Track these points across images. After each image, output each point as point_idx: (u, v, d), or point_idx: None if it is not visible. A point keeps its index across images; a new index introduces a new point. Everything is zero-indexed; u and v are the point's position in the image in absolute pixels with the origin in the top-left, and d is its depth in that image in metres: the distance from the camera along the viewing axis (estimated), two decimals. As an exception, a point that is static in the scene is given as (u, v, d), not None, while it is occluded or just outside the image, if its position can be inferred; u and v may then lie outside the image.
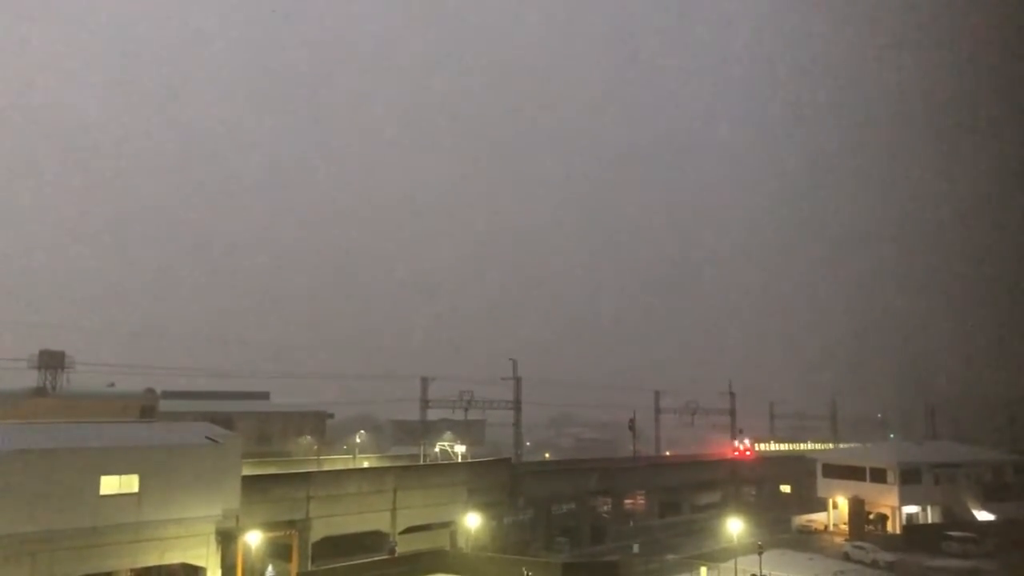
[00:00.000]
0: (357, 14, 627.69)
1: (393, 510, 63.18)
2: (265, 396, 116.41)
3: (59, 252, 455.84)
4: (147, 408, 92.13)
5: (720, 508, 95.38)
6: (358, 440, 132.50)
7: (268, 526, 52.47)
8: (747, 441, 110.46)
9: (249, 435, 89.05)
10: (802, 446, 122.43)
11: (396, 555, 60.18)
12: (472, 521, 64.70)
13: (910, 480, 78.89)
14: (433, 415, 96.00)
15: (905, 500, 78.42)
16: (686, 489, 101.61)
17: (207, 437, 51.43)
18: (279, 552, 55.40)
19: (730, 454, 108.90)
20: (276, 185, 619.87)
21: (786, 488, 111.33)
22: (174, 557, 47.27)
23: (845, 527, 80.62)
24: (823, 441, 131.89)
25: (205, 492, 48.02)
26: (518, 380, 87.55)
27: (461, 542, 65.94)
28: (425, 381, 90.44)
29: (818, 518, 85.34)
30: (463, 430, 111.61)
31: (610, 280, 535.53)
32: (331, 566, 55.79)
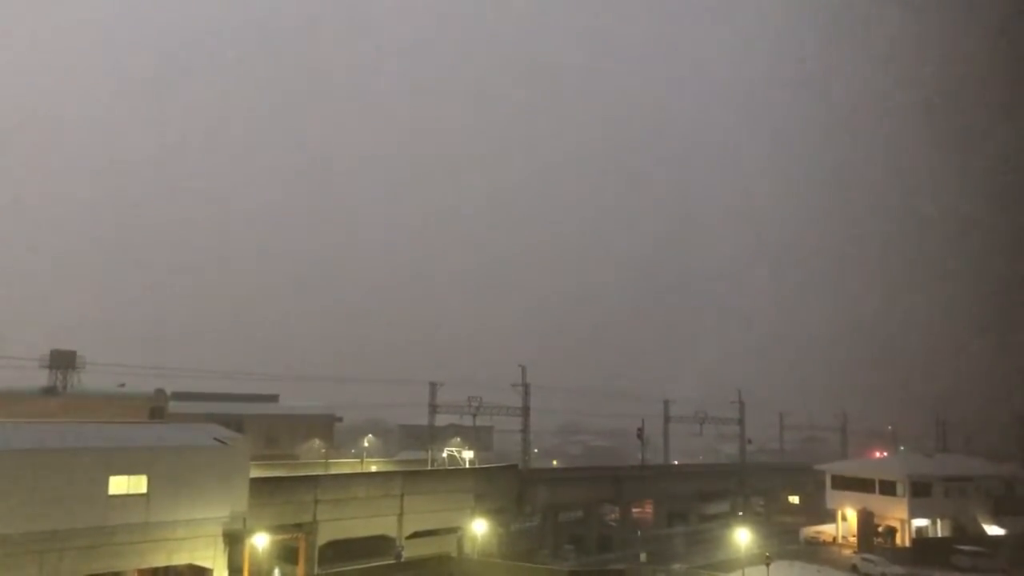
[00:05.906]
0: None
1: (400, 515, 63.12)
2: (274, 399, 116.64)
3: (69, 252, 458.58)
4: (157, 409, 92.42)
5: (728, 518, 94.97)
6: (366, 444, 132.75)
7: (275, 529, 52.48)
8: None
9: (257, 437, 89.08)
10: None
11: (402, 560, 60.14)
12: (479, 527, 64.62)
13: (920, 493, 78.27)
14: (441, 420, 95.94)
15: (915, 513, 77.82)
16: (694, 498, 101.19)
17: (215, 439, 51.62)
18: (286, 555, 55.48)
19: None
20: (288, 188, 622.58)
21: (794, 499, 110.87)
22: (181, 558, 47.46)
23: (854, 539, 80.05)
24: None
25: (213, 494, 48.19)
26: (527, 387, 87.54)
27: (468, 548, 65.79)
28: (434, 386, 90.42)
29: (827, 530, 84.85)
30: (471, 436, 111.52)
31: (620, 288, 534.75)
32: (338, 570, 55.78)
